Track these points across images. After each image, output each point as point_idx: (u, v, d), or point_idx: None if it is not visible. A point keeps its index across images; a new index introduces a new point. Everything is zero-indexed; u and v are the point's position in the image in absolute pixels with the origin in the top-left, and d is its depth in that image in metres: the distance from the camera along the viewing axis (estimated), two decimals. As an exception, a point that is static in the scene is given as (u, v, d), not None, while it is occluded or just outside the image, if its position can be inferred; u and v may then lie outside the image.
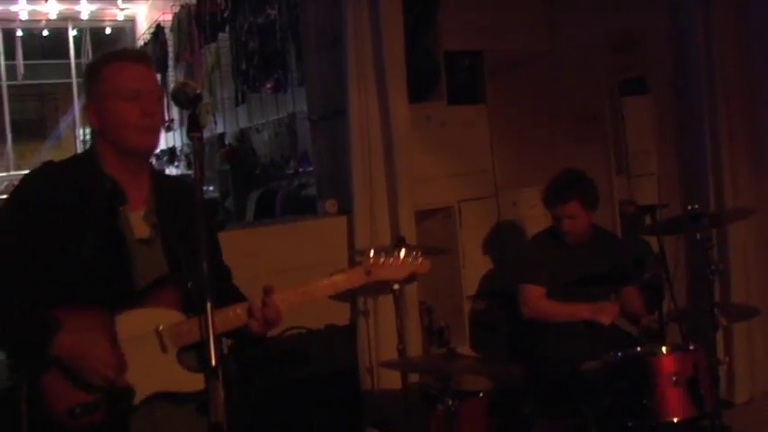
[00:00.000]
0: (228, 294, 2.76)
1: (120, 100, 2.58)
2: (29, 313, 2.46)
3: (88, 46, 17.06)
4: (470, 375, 4.25)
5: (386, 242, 5.08)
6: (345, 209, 5.33)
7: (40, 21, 15.93)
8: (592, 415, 3.91)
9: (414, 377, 4.85)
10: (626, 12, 5.82)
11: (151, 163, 2.94)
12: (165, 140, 12.60)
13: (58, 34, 16.70)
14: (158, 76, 11.88)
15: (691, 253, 5.37)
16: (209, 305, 1.95)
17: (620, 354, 3.89)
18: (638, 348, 3.99)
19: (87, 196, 2.58)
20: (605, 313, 4.71)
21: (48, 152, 17.50)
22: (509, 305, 5.20)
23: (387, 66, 5.10)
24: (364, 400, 5.06)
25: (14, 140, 17.07)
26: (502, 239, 6.10)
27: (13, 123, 17.04)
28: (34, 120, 19.80)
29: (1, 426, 2.56)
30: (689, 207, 4.18)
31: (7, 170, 16.97)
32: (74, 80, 16.84)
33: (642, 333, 4.85)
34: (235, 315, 2.60)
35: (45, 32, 16.60)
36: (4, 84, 16.64)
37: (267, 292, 2.63)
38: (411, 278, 3.00)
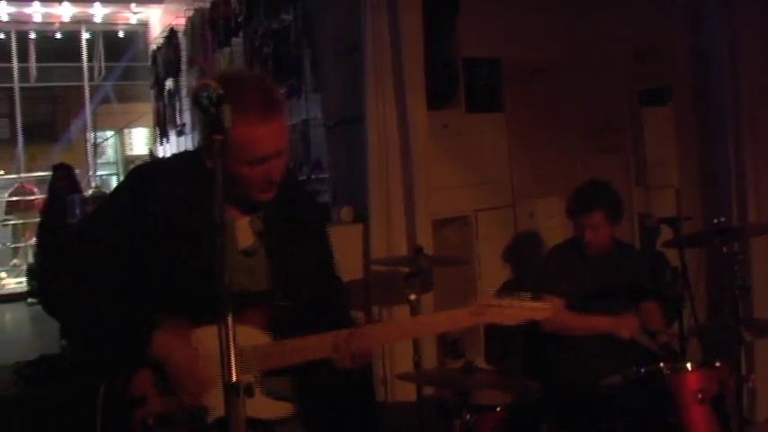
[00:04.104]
0: (329, 317, 2.54)
1: (244, 165, 2.35)
2: (129, 311, 2.37)
3: (101, 49, 17.04)
4: (489, 390, 4.17)
5: (402, 251, 5.01)
6: (361, 217, 5.26)
7: (54, 23, 15.92)
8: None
9: (428, 389, 4.78)
10: (646, 21, 5.78)
11: None
12: (177, 145, 12.56)
13: (71, 37, 16.69)
14: (171, 81, 12.01)
15: (712, 267, 5.30)
16: (230, 318, 1.82)
17: (642, 369, 3.81)
18: (662, 364, 3.90)
19: (188, 205, 2.42)
20: (625, 326, 4.63)
21: (58, 155, 17.44)
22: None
23: (406, 73, 5.05)
24: (379, 412, 4.99)
25: (25, 143, 17.07)
26: (519, 250, 6.02)
27: (25, 126, 17.04)
28: (45, 122, 19.80)
29: (77, 426, 2.61)
30: (715, 221, 4.11)
31: (18, 173, 16.95)
32: (86, 83, 16.81)
33: (661, 349, 4.77)
34: (317, 344, 2.39)
35: (58, 35, 16.59)
36: (17, 86, 16.63)
37: (357, 324, 2.49)
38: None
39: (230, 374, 1.77)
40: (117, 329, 2.38)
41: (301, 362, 2.39)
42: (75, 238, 2.53)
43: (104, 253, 2.42)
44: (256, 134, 2.32)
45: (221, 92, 2.02)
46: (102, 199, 8.15)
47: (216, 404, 2.23)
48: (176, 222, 2.41)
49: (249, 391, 1.79)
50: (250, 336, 2.35)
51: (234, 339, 1.79)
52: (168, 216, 2.41)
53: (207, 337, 2.27)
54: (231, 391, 1.76)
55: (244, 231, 2.48)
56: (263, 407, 2.32)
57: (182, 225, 2.41)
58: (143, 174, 2.59)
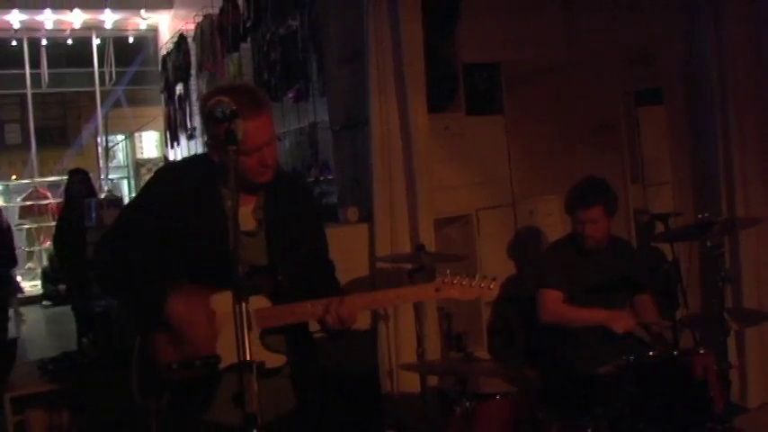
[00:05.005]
0: (323, 288, 3.07)
1: (242, 154, 2.70)
2: (152, 280, 2.90)
3: (111, 54, 17.25)
4: (489, 379, 4.35)
5: (406, 249, 5.20)
6: (366, 216, 5.44)
7: (65, 30, 16.13)
8: (605, 418, 4.02)
9: (432, 380, 4.97)
10: (641, 24, 5.93)
11: None
12: (187, 148, 12.77)
13: (82, 43, 16.90)
14: (181, 86, 12.16)
15: (703, 260, 5.48)
16: (244, 305, 2.08)
17: (632, 358, 4.01)
18: (650, 353, 4.10)
19: (201, 198, 2.97)
20: (620, 322, 4.79)
21: (70, 159, 17.68)
22: (526, 311, 5.30)
23: (407, 78, 5.20)
24: (384, 403, 5.18)
25: (38, 148, 17.26)
26: (519, 247, 6.19)
27: (37, 131, 17.23)
28: (57, 127, 20.00)
29: (121, 371, 3.11)
30: (699, 216, 4.30)
31: (31, 177, 17.17)
32: (97, 88, 17.03)
33: (654, 339, 4.94)
34: (311, 309, 2.94)
35: (69, 41, 16.80)
36: (29, 92, 16.85)
37: (344, 292, 3.02)
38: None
39: (245, 353, 2.01)
40: (145, 297, 2.93)
41: (294, 322, 2.97)
42: (117, 226, 3.08)
43: (139, 238, 2.96)
44: (249, 127, 2.70)
45: (234, 107, 2.44)
46: (119, 202, 8.39)
47: (227, 354, 2.74)
48: (192, 212, 2.94)
49: (261, 368, 2.05)
50: (254, 301, 2.87)
51: (248, 322, 2.06)
52: (186, 206, 2.95)
53: (221, 300, 2.82)
54: (245, 367, 2.00)
55: (247, 217, 2.98)
56: (261, 357, 2.82)
57: (196, 213, 2.94)
58: (165, 174, 3.19)
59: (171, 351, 2.87)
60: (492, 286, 3.01)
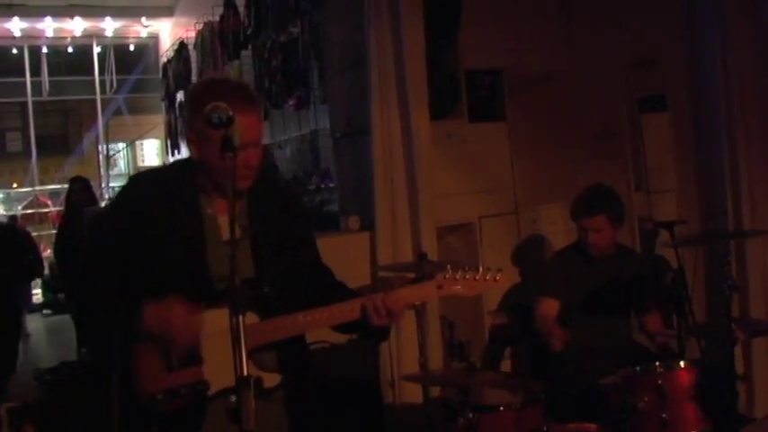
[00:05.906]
0: (333, 292, 2.94)
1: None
2: (126, 295, 2.71)
3: (112, 62, 17.23)
4: (493, 390, 4.30)
5: (408, 258, 5.16)
6: (368, 225, 5.40)
7: (66, 38, 16.12)
8: (609, 429, 3.96)
9: (435, 391, 4.91)
10: (645, 31, 5.89)
11: None
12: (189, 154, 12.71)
13: (83, 51, 16.88)
14: (181, 93, 12.12)
15: (710, 268, 5.42)
16: (240, 318, 2.01)
17: (638, 368, 3.95)
18: (656, 363, 4.04)
19: (177, 204, 2.78)
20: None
21: (71, 168, 17.64)
22: (529, 321, 5.24)
23: (409, 85, 5.19)
24: (386, 414, 5.13)
25: (38, 156, 17.24)
26: (522, 255, 6.14)
27: (38, 139, 17.22)
28: (58, 135, 19.98)
29: (98, 407, 3.01)
30: (708, 225, 4.25)
31: (32, 185, 17.14)
32: (98, 96, 17.00)
33: (659, 349, 4.89)
34: (349, 309, 2.76)
35: (70, 49, 16.78)
36: (30, 100, 16.83)
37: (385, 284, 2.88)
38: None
39: (242, 369, 1.95)
40: (120, 315, 2.73)
41: (295, 335, 2.78)
42: (89, 248, 3.00)
43: (112, 258, 2.80)
44: (240, 121, 2.48)
45: (231, 113, 2.32)
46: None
47: (215, 378, 2.62)
48: (166, 219, 2.75)
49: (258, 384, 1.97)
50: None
51: (243, 336, 1.99)
52: (159, 214, 2.76)
53: (206, 320, 2.66)
54: (242, 384, 1.93)
55: (227, 226, 2.61)
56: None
57: (171, 221, 2.75)
58: (139, 182, 2.99)
59: (156, 381, 2.65)
60: (497, 278, 2.85)
